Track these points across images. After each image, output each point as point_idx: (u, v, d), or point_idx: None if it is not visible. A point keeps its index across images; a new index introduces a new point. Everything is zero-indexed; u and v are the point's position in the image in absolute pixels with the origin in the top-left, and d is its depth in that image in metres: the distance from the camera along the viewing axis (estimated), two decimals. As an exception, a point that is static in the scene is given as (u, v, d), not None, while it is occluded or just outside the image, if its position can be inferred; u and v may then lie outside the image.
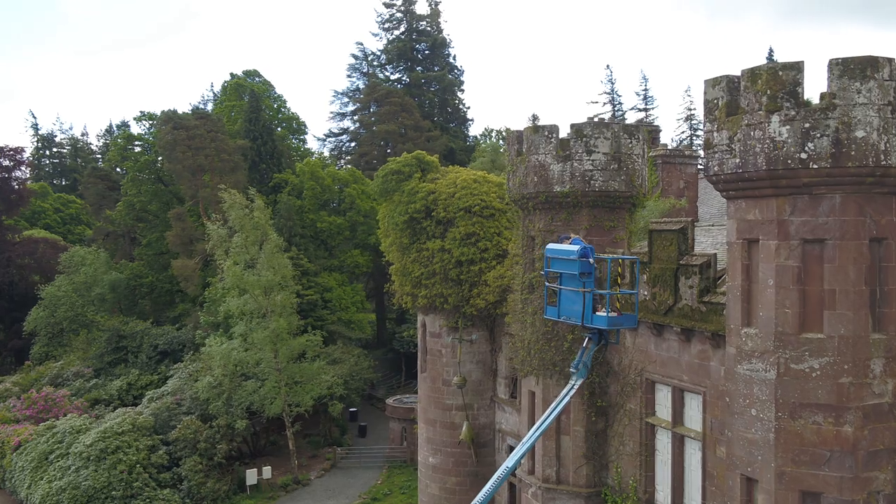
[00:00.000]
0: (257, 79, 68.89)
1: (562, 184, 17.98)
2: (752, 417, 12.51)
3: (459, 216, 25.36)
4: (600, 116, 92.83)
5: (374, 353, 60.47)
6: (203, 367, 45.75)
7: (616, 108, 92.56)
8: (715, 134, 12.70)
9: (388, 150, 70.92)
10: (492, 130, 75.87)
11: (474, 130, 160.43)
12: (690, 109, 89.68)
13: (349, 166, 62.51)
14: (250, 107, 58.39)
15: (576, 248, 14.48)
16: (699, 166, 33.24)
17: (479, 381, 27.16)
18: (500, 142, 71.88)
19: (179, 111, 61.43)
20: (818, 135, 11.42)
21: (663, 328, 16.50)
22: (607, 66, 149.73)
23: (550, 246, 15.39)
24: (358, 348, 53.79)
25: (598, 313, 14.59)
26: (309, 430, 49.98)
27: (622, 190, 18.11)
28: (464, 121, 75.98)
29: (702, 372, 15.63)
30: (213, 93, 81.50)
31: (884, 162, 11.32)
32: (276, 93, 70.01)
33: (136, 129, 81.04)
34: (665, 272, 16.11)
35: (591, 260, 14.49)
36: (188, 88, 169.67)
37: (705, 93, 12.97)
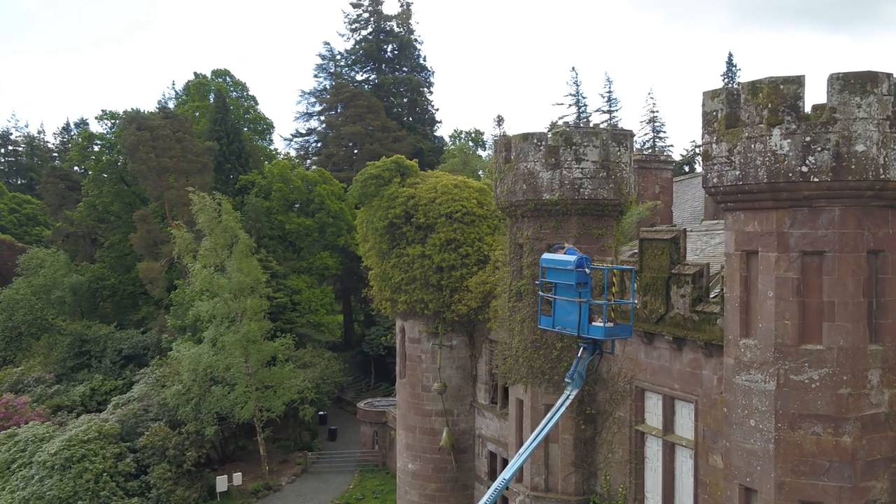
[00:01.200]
0: (228, 79, 67.85)
1: (551, 192, 17.94)
2: (752, 428, 12.58)
3: (440, 222, 25.20)
4: (566, 118, 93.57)
5: (342, 356, 59.98)
6: (171, 371, 44.91)
7: (581, 110, 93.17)
8: (714, 146, 12.74)
9: (356, 152, 70.50)
10: (461, 132, 75.87)
11: (442, 132, 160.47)
12: (653, 112, 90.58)
13: (318, 167, 61.89)
14: (216, 107, 57.50)
15: (572, 258, 14.44)
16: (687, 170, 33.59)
17: (458, 387, 27.05)
18: (471, 143, 71.94)
19: (142, 111, 60.33)
20: (819, 148, 11.52)
21: (654, 337, 16.56)
22: (572, 67, 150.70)
23: (546, 256, 15.33)
24: (328, 351, 53.31)
25: (594, 323, 14.57)
26: (278, 435, 49.38)
27: (611, 198, 18.14)
28: (432, 122, 75.80)
29: (694, 381, 15.71)
30: (175, 91, 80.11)
31: (883, 176, 11.46)
32: (248, 93, 69.05)
33: (97, 128, 79.34)
34: (656, 281, 16.16)
35: (587, 270, 14.47)
36: (149, 88, 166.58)
37: (703, 105, 13.01)
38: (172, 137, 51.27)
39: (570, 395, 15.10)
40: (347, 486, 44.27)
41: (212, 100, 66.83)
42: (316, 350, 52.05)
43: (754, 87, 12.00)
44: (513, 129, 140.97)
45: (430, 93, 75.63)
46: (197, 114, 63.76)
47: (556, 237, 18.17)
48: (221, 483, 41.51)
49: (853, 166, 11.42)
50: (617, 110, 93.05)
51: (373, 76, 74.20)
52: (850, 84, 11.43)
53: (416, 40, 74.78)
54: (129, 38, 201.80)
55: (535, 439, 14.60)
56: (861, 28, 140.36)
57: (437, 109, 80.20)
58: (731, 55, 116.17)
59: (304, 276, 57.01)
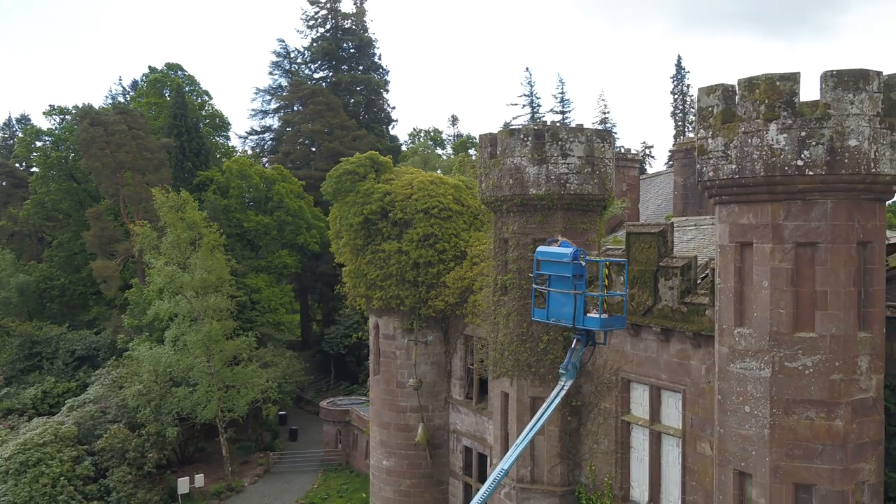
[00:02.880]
0: (180, 73, 66.51)
1: (537, 186, 18.17)
2: (746, 414, 12.97)
3: (417, 218, 25.24)
4: (520, 118, 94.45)
5: (301, 356, 59.47)
6: (128, 372, 43.93)
7: (535, 111, 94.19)
8: (710, 140, 13.10)
9: (313, 150, 69.92)
10: (420, 130, 75.76)
11: (398, 131, 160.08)
12: (605, 113, 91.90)
13: (276, 165, 61.13)
14: (175, 102, 56.31)
15: (568, 250, 14.66)
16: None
17: (433, 383, 27.14)
18: (430, 142, 71.95)
19: (94, 106, 58.73)
20: (814, 143, 11.95)
21: (641, 328, 16.93)
22: (526, 68, 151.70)
23: (541, 249, 15.52)
24: (289, 351, 52.78)
25: (589, 315, 14.82)
26: (239, 436, 48.72)
27: (595, 193, 18.46)
28: (389, 121, 75.58)
29: (681, 371, 16.11)
30: (123, 87, 78.21)
31: (874, 169, 11.95)
32: (200, 88, 67.76)
33: (43, 123, 76.95)
34: (644, 274, 16.52)
35: (582, 262, 14.71)
36: (95, 84, 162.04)
37: (699, 100, 13.37)
38: (128, 133, 50.06)
39: (564, 385, 15.33)
40: (311, 486, 43.93)
41: (167, 96, 65.52)
42: (277, 349, 51.49)
43: (751, 83, 12.39)
44: (467, 128, 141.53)
45: (387, 91, 75.47)
46: (153, 110, 62.39)
47: (541, 232, 18.41)
48: (183, 485, 40.73)
49: (846, 160, 11.88)
50: (570, 111, 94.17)
51: (329, 74, 73.65)
52: (844, 81, 11.89)
53: (372, 39, 74.53)
54: (73, 32, 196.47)
55: (531, 429, 14.79)
56: (795, 34, 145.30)
57: (394, 108, 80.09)
58: (679, 58, 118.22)
59: (262, 274, 56.29)
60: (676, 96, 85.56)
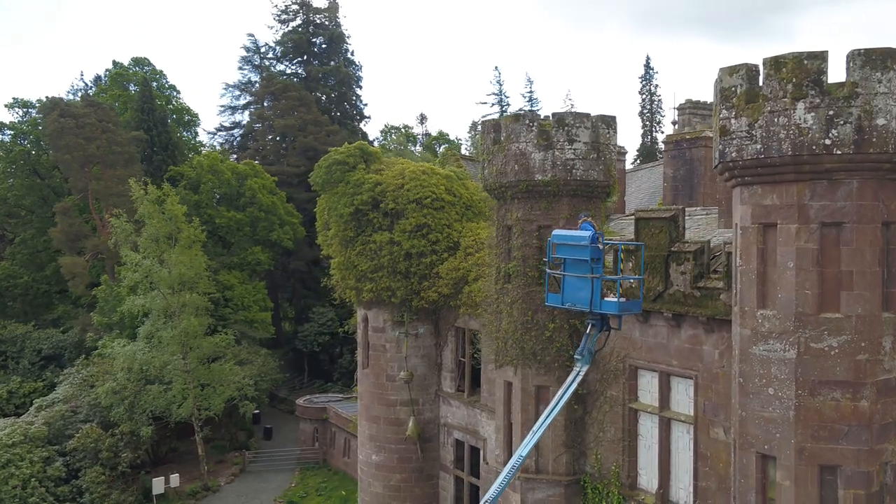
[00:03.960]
0: (147, 67, 65.07)
1: (543, 172, 17.95)
2: (770, 396, 12.87)
3: (410, 208, 24.87)
4: (489, 117, 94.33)
5: (273, 354, 58.58)
6: (99, 370, 42.75)
7: (504, 109, 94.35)
8: (733, 121, 12.97)
9: (284, 146, 69.04)
10: (391, 127, 75.24)
11: (370, 128, 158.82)
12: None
13: (248, 160, 60.12)
14: (143, 96, 55.06)
15: (587, 233, 14.45)
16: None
17: (424, 376, 26.79)
18: (404, 139, 71.41)
19: (59, 98, 57.13)
20: (842, 122, 11.89)
21: (650, 314, 16.79)
22: (495, 67, 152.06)
23: (557, 232, 15.29)
24: (264, 348, 51.95)
25: (607, 299, 14.63)
26: (212, 435, 47.74)
27: (600, 179, 18.31)
28: (362, 117, 75.00)
29: (693, 356, 16.01)
30: (85, 82, 76.28)
31: (900, 149, 11.91)
32: (167, 83, 66.39)
33: (6, 116, 74.78)
34: (654, 259, 16.38)
35: (600, 245, 14.51)
36: (56, 78, 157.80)
37: (721, 81, 13.23)
38: (98, 126, 48.75)
39: (580, 371, 15.13)
40: (289, 485, 43.25)
41: (132, 90, 64.11)
42: (251, 347, 50.63)
43: (777, 62, 12.28)
44: (435, 127, 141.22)
45: (360, 88, 74.85)
46: (117, 104, 60.87)
47: (546, 219, 18.21)
48: (158, 485, 39.74)
49: (874, 139, 11.84)
50: (538, 110, 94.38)
51: (301, 69, 72.79)
52: (872, 60, 11.84)
53: (344, 34, 73.84)
54: (33, 26, 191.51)
55: (548, 416, 14.57)
56: (749, 38, 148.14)
57: (366, 105, 79.51)
58: (648, 58, 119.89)
59: (234, 271, 55.34)
60: (645, 96, 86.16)
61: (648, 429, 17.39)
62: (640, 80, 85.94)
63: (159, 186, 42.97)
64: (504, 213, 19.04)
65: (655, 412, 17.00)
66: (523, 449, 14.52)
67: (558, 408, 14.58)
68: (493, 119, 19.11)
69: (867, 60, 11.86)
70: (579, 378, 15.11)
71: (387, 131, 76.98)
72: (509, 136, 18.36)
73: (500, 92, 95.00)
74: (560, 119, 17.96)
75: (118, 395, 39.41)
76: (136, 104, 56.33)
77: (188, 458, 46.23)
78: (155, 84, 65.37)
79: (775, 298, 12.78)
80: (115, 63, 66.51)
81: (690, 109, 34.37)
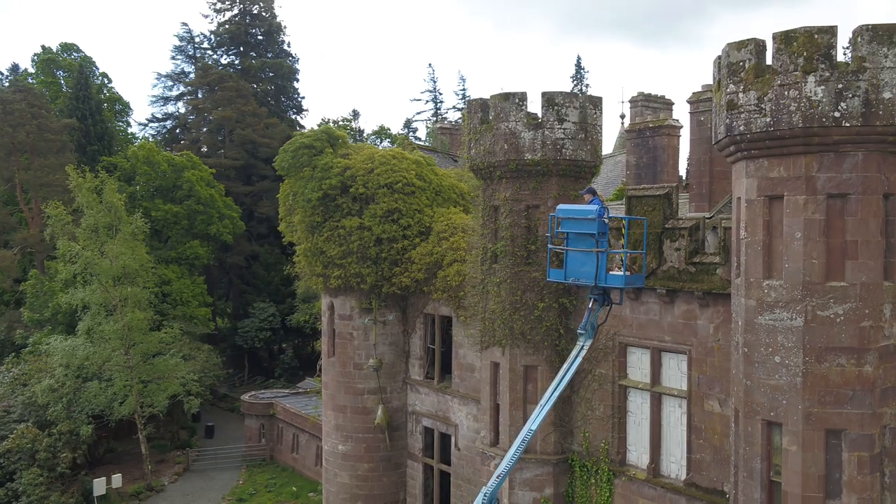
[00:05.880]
0: (76, 54, 62.31)
1: (533, 152, 17.95)
2: (776, 364, 13.18)
3: (381, 193, 24.54)
4: (423, 113, 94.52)
5: (213, 350, 57.01)
6: (32, 368, 40.70)
7: (438, 106, 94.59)
8: (741, 95, 13.22)
9: (221, 138, 67.30)
10: (329, 120, 74.26)
11: (308, 121, 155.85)
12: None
13: (186, 152, 58.24)
14: (77, 82, 52.66)
15: (595, 207, 14.51)
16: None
17: (391, 364, 26.48)
18: (346, 132, 70.40)
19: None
20: (850, 95, 12.26)
21: (642, 291, 17.00)
22: (429, 64, 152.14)
23: (562, 206, 15.29)
24: (206, 344, 50.45)
25: (612, 272, 14.71)
26: (153, 434, 46.05)
27: (588, 159, 18.43)
28: (300, 110, 73.77)
29: (687, 331, 16.28)
30: (1, 72, 72.60)
31: (904, 122, 12.37)
32: (98, 70, 63.75)
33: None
34: (648, 237, 16.58)
35: (606, 220, 14.59)
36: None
37: (728, 55, 13.45)
38: (28, 112, 46.39)
39: (584, 345, 15.18)
40: (236, 483, 42.12)
41: (60, 77, 61.40)
42: (192, 342, 49.06)
43: (788, 36, 12.58)
44: (367, 123, 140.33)
45: (297, 81, 73.55)
46: (46, 91, 58.13)
47: (535, 198, 18.22)
48: (99, 486, 37.98)
49: (881, 112, 12.25)
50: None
51: (237, 60, 71.03)
52: (879, 35, 12.25)
53: (281, 26, 72.48)
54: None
55: (555, 389, 14.55)
56: (666, 42, 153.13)
57: (303, 98, 78.30)
58: (579, 58, 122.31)
59: (172, 265, 53.56)
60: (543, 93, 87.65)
61: (638, 405, 17.60)
62: (572, 79, 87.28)
63: (96, 175, 41.22)
64: (491, 194, 18.95)
65: (646, 388, 17.23)
66: (532, 423, 14.47)
67: (564, 382, 14.60)
68: (481, 98, 19.00)
69: (874, 36, 12.26)
70: (583, 352, 15.16)
71: (325, 123, 75.84)
72: (498, 115, 18.29)
73: (435, 89, 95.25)
74: (550, 98, 18.00)
75: (56, 393, 37.59)
76: (70, 91, 53.84)
77: (127, 457, 44.54)
78: (90, 71, 62.73)
79: (782, 269, 13.09)
80: (44, 48, 63.51)
81: (643, 102, 35.13)
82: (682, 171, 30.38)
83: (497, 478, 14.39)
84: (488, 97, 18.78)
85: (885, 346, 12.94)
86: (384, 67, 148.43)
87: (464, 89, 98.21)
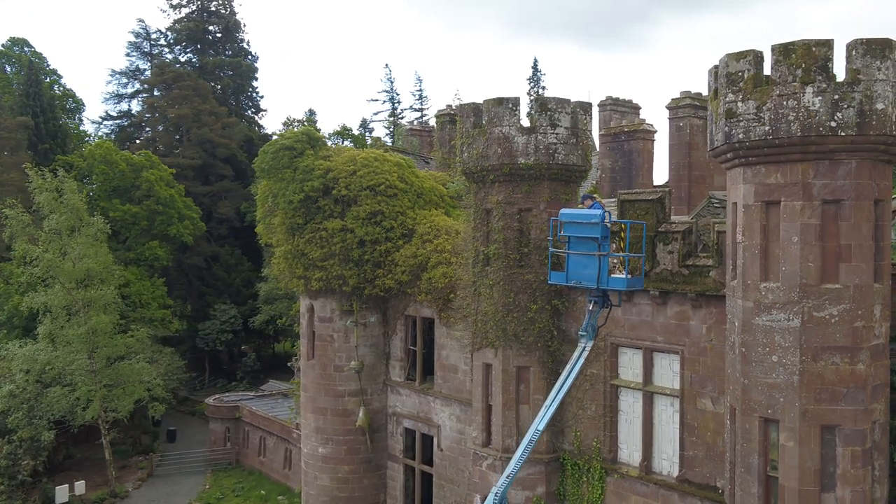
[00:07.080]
0: (27, 49, 60.61)
1: (526, 156, 18.24)
2: (774, 364, 13.70)
3: (363, 195, 24.56)
4: (380, 114, 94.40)
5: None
6: (-10, 374, 39.55)
7: (395, 106, 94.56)
8: (740, 104, 13.70)
9: (178, 137, 66.27)
10: (294, 120, 73.64)
11: (267, 120, 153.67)
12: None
13: (144, 151, 57.17)
14: (28, 79, 51.27)
15: (598, 212, 14.85)
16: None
17: (372, 366, 26.50)
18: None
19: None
20: (846, 106, 12.83)
21: (634, 293, 17.41)
22: (386, 65, 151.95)
23: (565, 210, 15.59)
24: (169, 347, 49.63)
25: (614, 275, 15.08)
26: (115, 439, 45.16)
27: (579, 164, 18.80)
28: (258, 109, 73.06)
29: (680, 332, 16.75)
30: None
31: (895, 132, 13.01)
32: (48, 66, 62.06)
33: None
34: (640, 240, 17.01)
35: (608, 224, 14.95)
36: None
37: (727, 65, 13.93)
38: (-21, 110, 45.05)
39: (586, 347, 15.51)
40: (203, 487, 41.63)
41: (9, 72, 59.63)
42: (154, 345, 48.22)
43: (786, 48, 13.10)
44: (324, 124, 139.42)
45: (256, 79, 72.83)
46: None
47: (527, 202, 18.52)
48: (62, 493, 37.26)
49: (874, 122, 12.85)
50: (427, 108, 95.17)
51: (194, 58, 70.03)
52: (872, 49, 12.86)
53: (240, 23, 71.67)
54: None
55: (560, 389, 14.86)
56: (612, 45, 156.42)
57: (262, 97, 77.53)
58: (536, 61, 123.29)
59: (131, 267, 52.56)
60: (533, 97, 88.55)
61: (630, 404, 18.04)
62: (529, 80, 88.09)
63: (56, 175, 40.21)
64: (483, 197, 19.18)
65: (638, 388, 17.66)
66: (539, 423, 14.75)
67: (568, 383, 14.92)
68: (473, 102, 19.23)
69: (868, 49, 12.86)
70: (585, 353, 15.51)
71: (289, 124, 75.21)
72: (491, 119, 18.54)
73: (392, 89, 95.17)
74: (543, 104, 18.32)
75: (16, 399, 36.62)
76: (20, 88, 52.37)
77: (88, 464, 43.66)
78: (40, 67, 61.00)
79: (779, 271, 13.61)
80: (-9, 43, 61.66)
81: (611, 105, 35.73)
82: (656, 175, 31.08)
83: (507, 478, 14.64)
84: (481, 102, 19.01)
85: (876, 344, 13.58)
86: (340, 67, 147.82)
87: (420, 90, 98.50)
